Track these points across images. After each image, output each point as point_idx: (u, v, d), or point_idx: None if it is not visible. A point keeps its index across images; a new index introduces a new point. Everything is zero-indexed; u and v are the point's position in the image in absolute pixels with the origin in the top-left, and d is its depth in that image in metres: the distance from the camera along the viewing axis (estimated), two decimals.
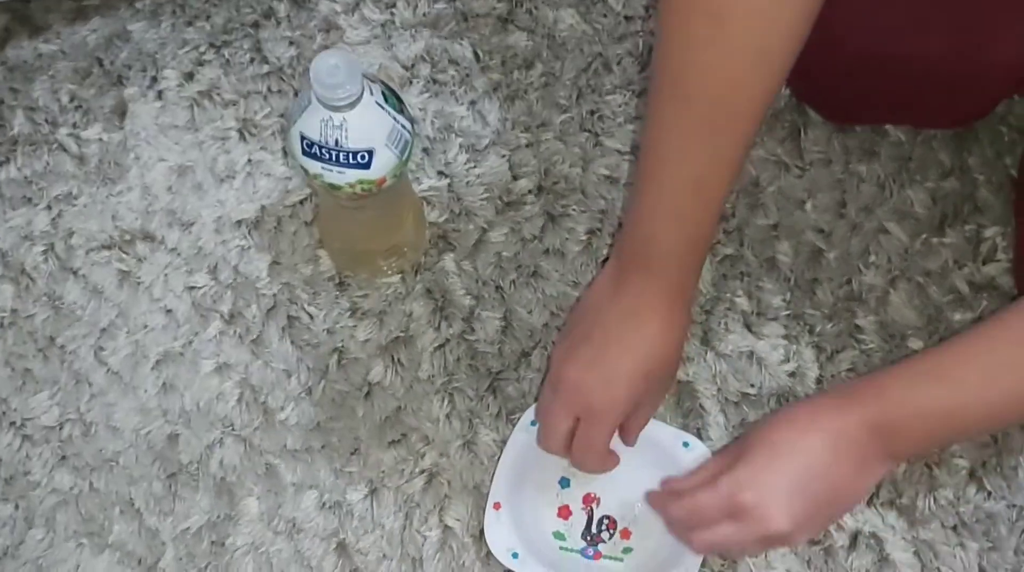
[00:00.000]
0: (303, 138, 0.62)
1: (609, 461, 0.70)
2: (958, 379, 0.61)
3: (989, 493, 0.73)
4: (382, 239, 0.74)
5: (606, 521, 0.72)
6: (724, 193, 0.64)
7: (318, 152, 0.62)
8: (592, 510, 0.72)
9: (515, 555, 0.69)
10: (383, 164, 0.63)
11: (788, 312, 0.78)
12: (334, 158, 0.62)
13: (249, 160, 0.82)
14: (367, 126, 0.61)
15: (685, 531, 0.65)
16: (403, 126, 0.64)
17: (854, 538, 0.72)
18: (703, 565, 0.70)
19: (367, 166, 0.62)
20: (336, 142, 0.61)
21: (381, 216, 0.71)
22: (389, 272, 0.78)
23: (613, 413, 0.66)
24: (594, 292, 0.69)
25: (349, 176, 0.63)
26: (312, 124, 0.61)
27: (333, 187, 0.64)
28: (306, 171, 0.64)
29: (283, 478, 0.73)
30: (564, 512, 0.72)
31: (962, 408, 0.61)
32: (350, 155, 0.62)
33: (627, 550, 0.71)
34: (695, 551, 0.68)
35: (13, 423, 0.75)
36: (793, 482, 0.61)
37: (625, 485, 0.72)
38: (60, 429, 0.75)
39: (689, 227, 0.65)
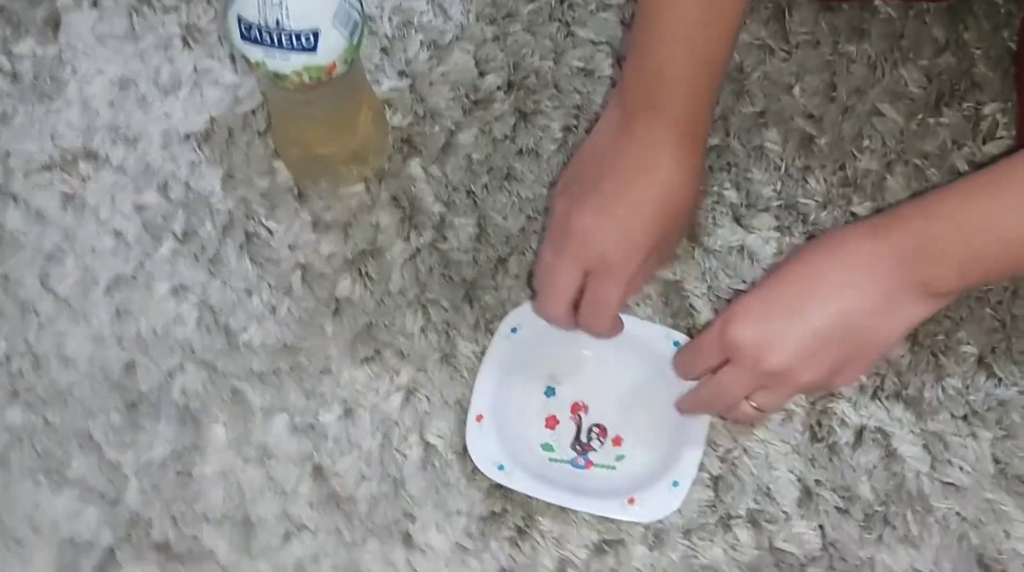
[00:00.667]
0: (240, 21, 0.56)
1: (618, 325, 0.65)
2: (998, 192, 0.56)
3: (1000, 380, 0.69)
4: (340, 141, 0.68)
5: (596, 429, 0.68)
6: (739, 8, 0.59)
7: (258, 35, 0.56)
8: (580, 418, 0.68)
9: (501, 468, 0.65)
10: (331, 47, 0.57)
11: (779, 202, 0.73)
12: (276, 40, 0.56)
13: (195, 69, 0.76)
14: (310, 3, 0.56)
15: (694, 400, 0.62)
16: (351, 5, 0.58)
17: (859, 433, 0.68)
18: (700, 469, 0.67)
19: (313, 49, 0.57)
20: (276, 22, 0.56)
21: (336, 113, 0.65)
22: (351, 180, 0.73)
23: (630, 263, 0.61)
24: (596, 140, 0.64)
25: (294, 62, 0.57)
26: (249, 4, 0.55)
27: (278, 77, 0.58)
28: (247, 60, 0.58)
29: (251, 403, 0.69)
30: (551, 422, 0.68)
31: (1003, 221, 0.55)
32: (293, 37, 0.56)
33: (620, 457, 0.67)
34: (690, 410, 0.64)
35: None
36: (794, 311, 0.57)
37: (614, 390, 0.68)
38: (8, 363, 0.70)
39: (701, 50, 0.60)
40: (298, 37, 0.56)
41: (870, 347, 0.60)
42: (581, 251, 0.61)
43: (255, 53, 0.57)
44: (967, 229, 0.56)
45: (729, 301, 0.68)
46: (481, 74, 0.76)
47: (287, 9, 0.55)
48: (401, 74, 0.76)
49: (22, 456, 0.68)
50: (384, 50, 0.77)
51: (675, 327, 0.70)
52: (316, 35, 0.57)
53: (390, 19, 0.78)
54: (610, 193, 0.61)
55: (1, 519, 0.66)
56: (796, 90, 0.76)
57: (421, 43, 0.77)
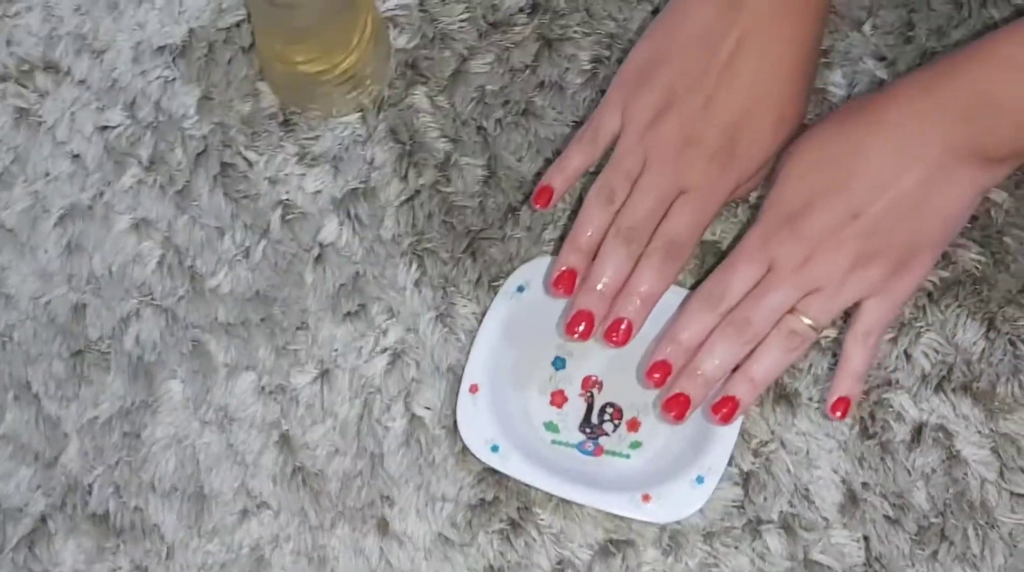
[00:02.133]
0: None
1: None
2: None
3: None
4: (331, 60, 0.59)
5: (610, 410, 0.59)
6: None
7: None
8: (593, 396, 0.59)
9: (495, 448, 0.56)
10: None
11: None
12: None
13: None
14: None
15: (730, 326, 0.55)
16: None
17: (918, 431, 0.58)
18: (729, 463, 0.57)
19: None
20: None
21: (327, 24, 0.56)
22: (345, 108, 0.63)
23: (751, 166, 0.56)
24: (686, 13, 0.57)
25: None
26: None
27: None
28: None
29: (213, 357, 0.60)
30: (558, 398, 0.59)
31: None
32: None
33: (635, 444, 0.58)
34: (725, 342, 0.54)
35: None
36: (840, 197, 0.52)
37: (634, 365, 0.58)
38: None
39: None
40: None
41: (933, 227, 0.53)
42: (677, 163, 0.54)
43: None
44: (1019, 72, 0.49)
45: (757, 205, 0.59)
46: None
47: None
48: None
49: None
50: None
51: (701, 267, 0.60)
52: None
53: None
54: (718, 87, 0.55)
55: None
56: (867, 26, 0.65)
57: None
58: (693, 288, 0.58)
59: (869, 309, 0.54)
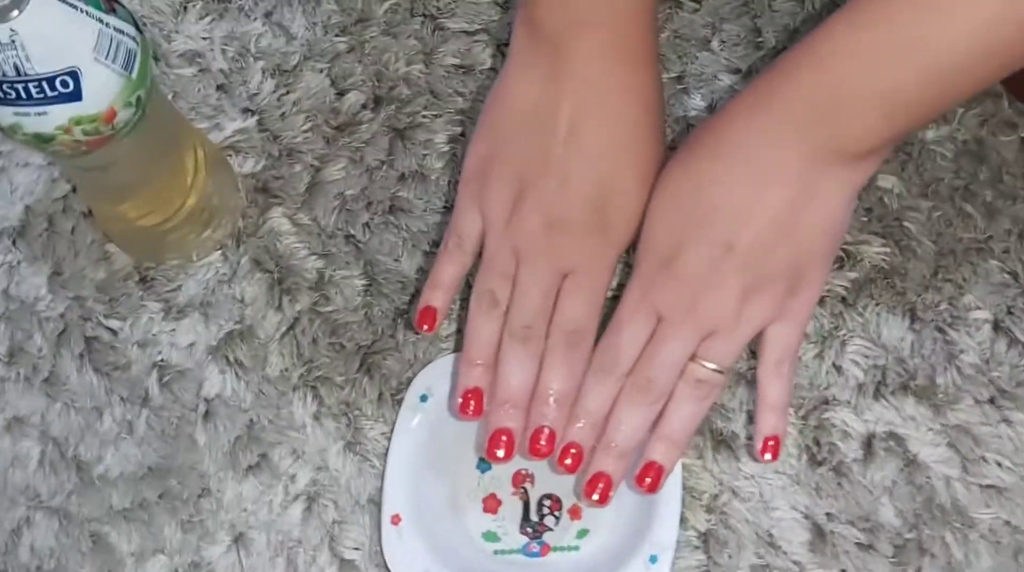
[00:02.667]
0: None
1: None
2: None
3: None
4: (168, 206, 0.55)
5: (547, 502, 0.55)
6: None
7: (0, 92, 0.43)
8: (527, 491, 0.55)
9: None
10: (101, 87, 0.44)
11: None
12: (24, 92, 0.43)
13: None
14: (55, 36, 0.42)
15: (634, 388, 0.51)
16: (118, 30, 0.45)
17: (867, 444, 0.55)
18: (684, 527, 0.53)
19: (76, 95, 0.43)
20: (16, 68, 0.42)
21: (149, 172, 0.52)
22: (203, 250, 0.59)
23: (629, 229, 0.52)
24: (513, 83, 0.53)
25: (56, 116, 0.44)
26: None
27: (44, 140, 0.44)
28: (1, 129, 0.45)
29: (117, 549, 0.55)
30: (491, 504, 0.55)
31: (922, 32, 0.44)
32: (44, 83, 0.43)
33: (582, 533, 0.54)
34: (633, 404, 0.51)
35: None
36: (709, 236, 0.49)
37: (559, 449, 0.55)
38: None
39: None
40: (51, 83, 0.43)
41: (813, 242, 0.50)
42: (551, 251, 0.51)
43: (5, 116, 0.44)
44: (871, 57, 0.45)
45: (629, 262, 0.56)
46: (340, 94, 0.63)
47: (25, 49, 0.42)
48: (246, 111, 0.63)
49: None
50: (221, 87, 0.64)
51: None
52: (75, 76, 0.43)
53: (223, 50, 0.64)
54: (567, 162, 0.51)
55: None
56: (715, 43, 0.63)
57: (263, 71, 0.64)
58: None
59: (774, 336, 0.51)
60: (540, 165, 0.52)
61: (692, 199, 0.50)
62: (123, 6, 0.47)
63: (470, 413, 0.52)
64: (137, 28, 0.47)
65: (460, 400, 0.52)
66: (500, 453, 0.51)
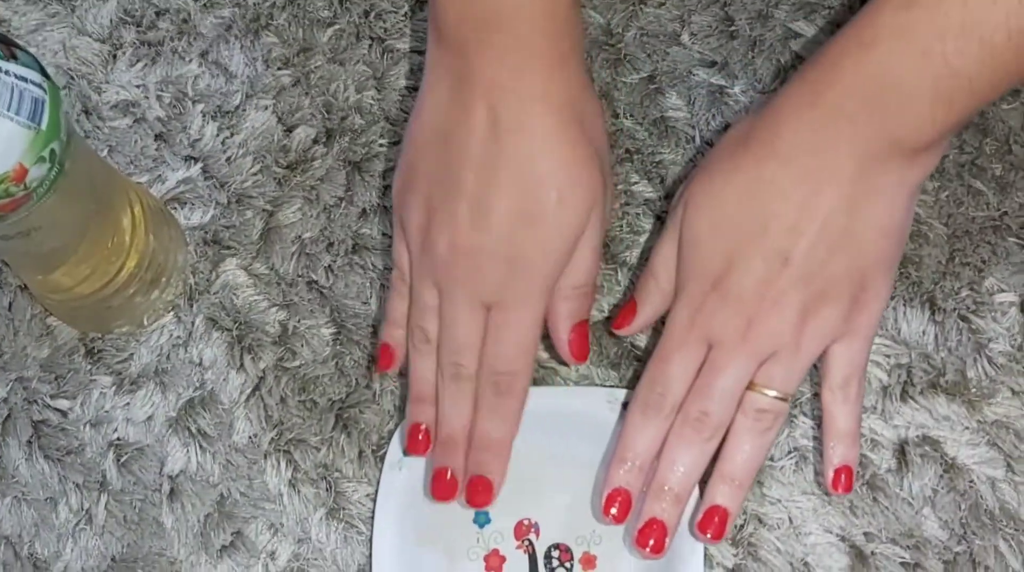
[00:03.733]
0: None
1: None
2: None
3: None
4: (105, 270, 0.50)
5: (556, 552, 0.49)
6: None
7: None
8: (532, 543, 0.50)
9: None
10: (4, 143, 0.39)
11: None
12: None
13: None
14: None
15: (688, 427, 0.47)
16: (20, 77, 0.40)
17: (900, 452, 0.50)
18: (708, 565, 0.48)
19: None
20: None
21: (78, 235, 0.47)
22: (153, 313, 0.54)
23: (550, 257, 0.47)
24: (428, 109, 0.48)
25: None
26: None
27: None
28: None
29: None
30: (494, 561, 0.49)
31: (974, 15, 0.40)
32: None
33: None
34: (687, 443, 0.46)
35: None
36: (760, 247, 0.45)
37: (564, 490, 0.49)
38: None
39: None
40: None
41: (874, 246, 0.45)
42: (467, 280, 0.46)
43: None
44: (922, 38, 0.41)
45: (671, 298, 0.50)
46: (288, 130, 0.58)
47: None
48: (188, 159, 0.58)
49: None
50: (160, 136, 0.59)
51: (621, 381, 0.52)
52: None
53: (158, 96, 0.60)
54: (480, 182, 0.46)
55: None
56: (685, 36, 0.59)
57: (204, 115, 0.59)
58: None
59: (838, 356, 0.46)
60: (448, 187, 0.47)
61: (739, 210, 0.45)
62: (26, 51, 0.42)
63: (419, 449, 0.49)
64: (44, 74, 0.42)
65: (407, 436, 0.49)
66: (442, 492, 0.48)
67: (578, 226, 0.47)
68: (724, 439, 0.46)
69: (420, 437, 0.48)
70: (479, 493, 0.48)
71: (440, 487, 0.48)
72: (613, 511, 0.46)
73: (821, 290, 0.45)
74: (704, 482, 0.47)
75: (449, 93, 0.47)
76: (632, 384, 0.51)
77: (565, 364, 0.51)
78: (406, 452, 0.49)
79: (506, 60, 0.45)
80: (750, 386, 0.46)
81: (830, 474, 0.47)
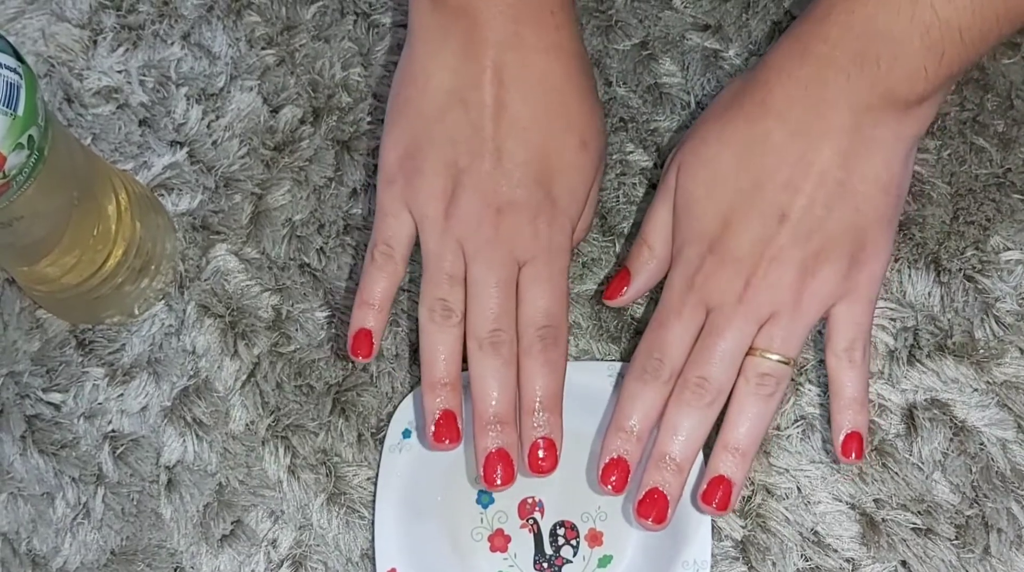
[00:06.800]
0: None
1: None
2: None
3: None
4: (92, 259, 0.49)
5: (561, 530, 0.48)
6: None
7: None
8: (536, 522, 0.49)
9: None
10: None
11: None
12: None
13: None
14: None
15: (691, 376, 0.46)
16: None
17: (909, 416, 0.49)
18: (716, 537, 0.47)
19: None
20: None
21: (59, 224, 0.46)
22: (144, 302, 0.53)
23: (576, 204, 0.48)
24: (422, 77, 0.48)
25: None
26: None
27: None
28: None
29: None
30: (499, 541, 0.49)
31: None
32: None
33: (605, 560, 0.48)
34: (687, 403, 0.45)
35: None
36: (757, 204, 0.45)
37: (568, 466, 0.48)
38: None
39: None
40: None
41: (873, 200, 0.44)
42: (501, 239, 0.46)
43: None
44: None
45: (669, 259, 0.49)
46: (274, 111, 0.57)
47: None
48: (174, 144, 0.57)
49: None
50: (144, 122, 0.58)
51: (622, 355, 0.51)
52: None
53: (141, 81, 0.58)
54: (504, 140, 0.46)
55: None
56: (677, 1, 0.57)
57: (188, 98, 0.58)
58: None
59: (840, 317, 0.45)
60: (473, 146, 0.46)
61: (733, 170, 0.45)
62: (0, 36, 0.41)
63: (446, 443, 0.46)
64: (18, 58, 0.41)
65: (432, 428, 0.46)
66: (499, 480, 0.45)
67: (598, 169, 0.49)
68: (726, 407, 0.46)
69: (449, 428, 0.46)
70: (548, 457, 0.45)
71: (505, 470, 0.45)
72: (612, 480, 0.45)
73: (820, 247, 0.44)
74: (707, 452, 0.46)
75: (456, 56, 0.46)
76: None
77: None
78: (430, 447, 0.46)
79: (512, 19, 0.46)
80: (751, 351, 0.45)
81: (840, 441, 0.46)
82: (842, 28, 0.43)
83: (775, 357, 0.45)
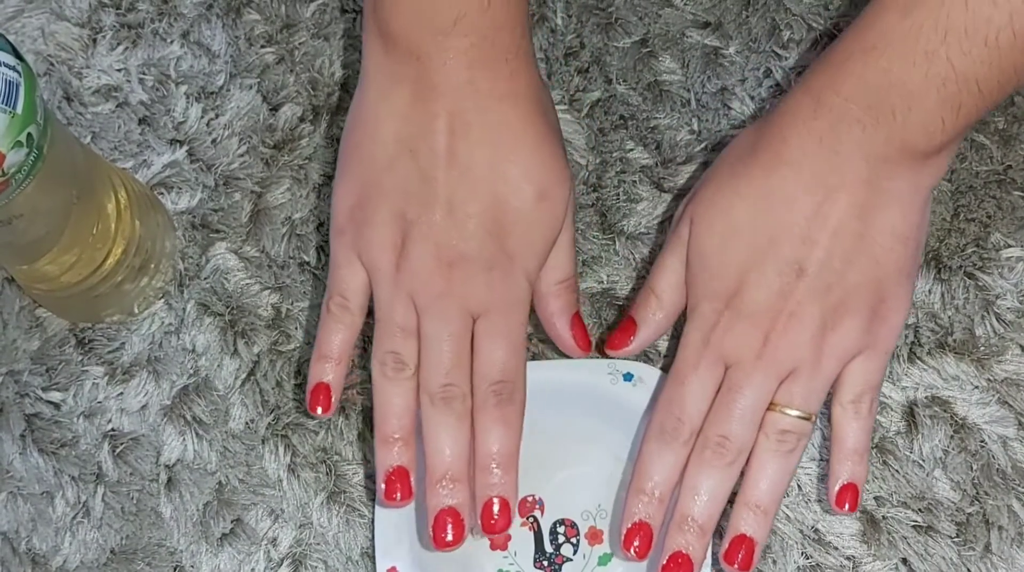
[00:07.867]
0: None
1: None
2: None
3: None
4: (91, 258, 0.49)
5: (562, 529, 0.48)
6: None
7: None
8: (536, 520, 0.49)
9: None
10: None
11: (703, 144, 0.54)
12: None
13: None
14: None
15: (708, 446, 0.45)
16: None
17: (909, 414, 0.49)
18: (717, 535, 0.47)
19: None
20: None
21: (58, 223, 0.46)
22: (144, 301, 0.53)
23: (534, 258, 0.46)
24: (366, 110, 0.46)
25: None
26: None
27: None
28: None
29: None
30: (498, 539, 0.48)
31: (981, 12, 0.39)
32: None
33: (605, 558, 0.48)
34: (707, 466, 0.44)
35: None
36: (771, 260, 0.44)
37: (568, 466, 0.48)
38: None
39: None
40: None
41: (891, 252, 0.43)
42: (453, 291, 0.44)
43: None
44: (926, 40, 0.40)
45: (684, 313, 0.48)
46: (274, 109, 0.57)
47: None
48: (173, 143, 0.57)
49: None
50: (144, 120, 0.58)
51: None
52: None
53: (141, 80, 0.58)
54: (454, 191, 0.44)
55: None
56: None
57: (188, 96, 0.58)
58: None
59: (854, 372, 0.45)
60: (423, 197, 0.45)
61: (748, 222, 0.44)
62: None
63: (397, 498, 0.45)
64: (17, 56, 0.41)
65: (384, 485, 0.45)
66: (448, 538, 0.44)
67: (560, 219, 0.46)
68: (747, 464, 0.45)
69: (402, 485, 0.45)
70: (502, 517, 0.44)
71: (455, 530, 0.44)
72: (635, 546, 0.44)
73: (839, 301, 0.43)
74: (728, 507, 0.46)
75: (407, 102, 0.45)
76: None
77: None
78: (383, 504, 0.45)
79: (466, 65, 0.44)
80: (771, 407, 0.44)
81: (835, 491, 0.45)
82: (857, 80, 0.42)
83: (795, 413, 0.44)
